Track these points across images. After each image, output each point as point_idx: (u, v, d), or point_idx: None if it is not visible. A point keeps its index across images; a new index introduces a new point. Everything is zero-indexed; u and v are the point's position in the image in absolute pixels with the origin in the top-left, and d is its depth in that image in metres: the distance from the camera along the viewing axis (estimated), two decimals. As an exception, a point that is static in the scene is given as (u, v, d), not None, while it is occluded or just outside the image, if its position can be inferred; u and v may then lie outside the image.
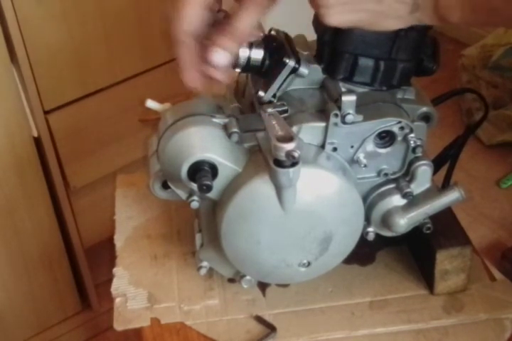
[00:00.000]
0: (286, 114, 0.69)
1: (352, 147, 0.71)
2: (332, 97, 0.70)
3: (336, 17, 0.59)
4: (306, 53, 0.72)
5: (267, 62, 0.70)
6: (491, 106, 2.02)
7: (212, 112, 0.71)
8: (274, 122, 0.65)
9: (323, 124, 0.70)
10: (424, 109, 0.74)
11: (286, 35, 0.73)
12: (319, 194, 0.69)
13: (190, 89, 0.65)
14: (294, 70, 0.70)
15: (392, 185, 0.75)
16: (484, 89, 2.10)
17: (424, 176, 0.74)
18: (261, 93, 0.71)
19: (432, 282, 0.80)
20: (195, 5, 0.62)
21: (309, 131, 0.70)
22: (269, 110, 0.68)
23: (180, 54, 0.63)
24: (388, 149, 0.72)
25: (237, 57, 0.69)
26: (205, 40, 0.63)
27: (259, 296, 0.82)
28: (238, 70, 0.71)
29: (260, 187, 0.67)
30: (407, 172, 0.74)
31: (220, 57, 0.62)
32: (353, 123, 0.68)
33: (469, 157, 1.97)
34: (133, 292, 0.82)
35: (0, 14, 1.09)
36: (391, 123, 0.70)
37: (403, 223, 0.74)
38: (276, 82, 0.70)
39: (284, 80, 0.71)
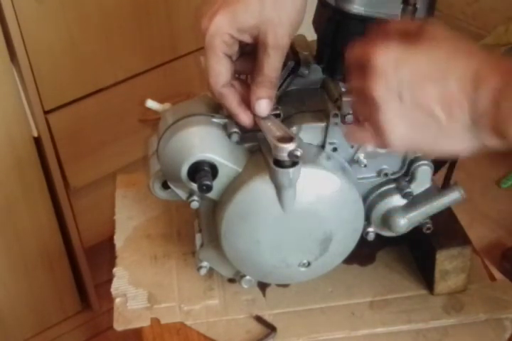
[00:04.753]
0: (279, 118, 0.69)
1: (352, 147, 0.71)
2: (332, 97, 0.70)
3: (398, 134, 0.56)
4: (306, 53, 0.72)
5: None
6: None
7: (212, 112, 0.71)
8: (269, 124, 0.65)
9: (323, 124, 0.70)
10: (424, 109, 0.74)
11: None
12: (319, 194, 0.69)
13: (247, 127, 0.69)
14: (294, 70, 0.70)
15: (392, 185, 0.75)
16: (484, 89, 2.09)
17: (424, 176, 0.74)
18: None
19: (432, 282, 0.80)
20: (220, 60, 0.66)
21: (309, 131, 0.70)
22: None
23: (226, 102, 0.68)
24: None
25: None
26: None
27: (259, 296, 0.82)
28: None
29: (260, 187, 0.67)
30: (407, 173, 0.74)
31: (264, 106, 0.66)
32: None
33: (469, 157, 1.96)
34: (133, 292, 0.82)
35: (0, 14, 1.09)
36: (391, 123, 0.70)
37: (403, 223, 0.74)
38: (276, 82, 0.70)
39: (284, 80, 0.71)
